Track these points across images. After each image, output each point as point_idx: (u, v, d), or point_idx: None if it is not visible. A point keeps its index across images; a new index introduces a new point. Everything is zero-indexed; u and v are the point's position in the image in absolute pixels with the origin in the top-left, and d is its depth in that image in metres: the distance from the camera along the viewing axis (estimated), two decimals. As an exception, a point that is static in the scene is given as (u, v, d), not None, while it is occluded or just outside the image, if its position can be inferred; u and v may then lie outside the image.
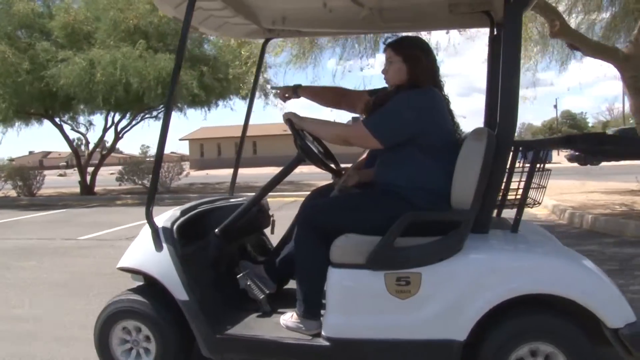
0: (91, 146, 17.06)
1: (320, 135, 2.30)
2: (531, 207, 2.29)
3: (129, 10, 12.45)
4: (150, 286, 2.44)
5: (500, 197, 2.55)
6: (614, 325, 1.88)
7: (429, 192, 2.13)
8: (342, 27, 3.02)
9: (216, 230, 2.52)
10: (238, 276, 2.45)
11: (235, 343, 2.20)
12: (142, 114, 15.97)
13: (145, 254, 2.35)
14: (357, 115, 3.39)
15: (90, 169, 15.70)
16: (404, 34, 2.74)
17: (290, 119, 2.29)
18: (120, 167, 15.75)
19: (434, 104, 2.17)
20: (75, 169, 16.64)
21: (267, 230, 2.98)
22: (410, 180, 2.15)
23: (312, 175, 11.18)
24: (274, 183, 2.51)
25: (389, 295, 2.02)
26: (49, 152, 78.40)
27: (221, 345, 2.20)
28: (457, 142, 2.21)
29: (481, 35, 9.40)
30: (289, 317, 2.25)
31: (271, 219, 2.93)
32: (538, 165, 2.25)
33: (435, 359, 2.02)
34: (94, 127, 17.44)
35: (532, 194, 2.28)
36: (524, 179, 2.28)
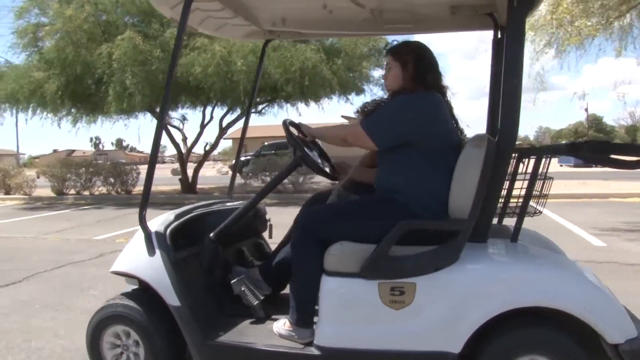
0: (189, 142, 16.08)
1: (321, 136, 2.27)
2: (531, 217, 2.22)
3: None
4: (144, 290, 2.42)
5: (502, 205, 2.49)
6: (613, 341, 1.82)
7: (427, 198, 2.07)
8: (343, 28, 2.97)
9: (211, 234, 2.49)
10: (232, 282, 2.41)
11: (227, 350, 2.16)
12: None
13: (138, 258, 2.32)
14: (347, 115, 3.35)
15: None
16: (405, 36, 2.69)
17: (290, 123, 2.25)
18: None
19: (433, 106, 2.11)
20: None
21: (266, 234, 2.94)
22: (408, 186, 2.09)
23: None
24: (270, 188, 2.47)
25: (383, 305, 1.98)
26: (74, 151, 76.46)
27: (213, 352, 2.17)
28: (459, 148, 2.15)
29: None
30: (281, 325, 2.21)
31: (268, 223, 2.88)
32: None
33: None
34: (187, 122, 16.52)
35: (533, 202, 2.21)
36: (525, 186, 2.21)
